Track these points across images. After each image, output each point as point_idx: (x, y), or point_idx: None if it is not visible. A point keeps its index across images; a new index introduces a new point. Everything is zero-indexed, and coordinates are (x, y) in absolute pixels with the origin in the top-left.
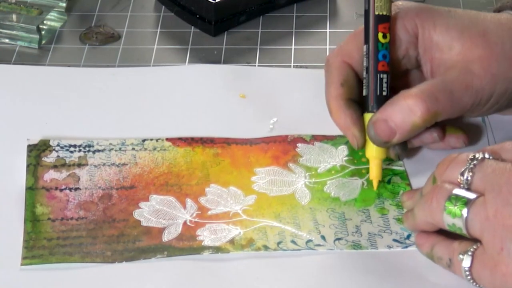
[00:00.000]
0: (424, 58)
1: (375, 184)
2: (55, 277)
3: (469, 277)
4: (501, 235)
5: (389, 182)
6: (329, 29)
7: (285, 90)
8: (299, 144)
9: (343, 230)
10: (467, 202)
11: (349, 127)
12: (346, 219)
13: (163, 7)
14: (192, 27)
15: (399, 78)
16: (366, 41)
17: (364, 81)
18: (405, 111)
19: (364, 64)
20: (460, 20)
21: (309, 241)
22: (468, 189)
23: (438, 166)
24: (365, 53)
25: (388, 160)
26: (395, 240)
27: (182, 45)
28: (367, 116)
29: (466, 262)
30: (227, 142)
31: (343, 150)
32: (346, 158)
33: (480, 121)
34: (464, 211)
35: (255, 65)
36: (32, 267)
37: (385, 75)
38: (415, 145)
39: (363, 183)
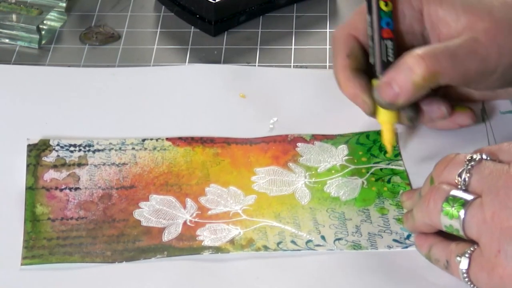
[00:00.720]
0: (432, 33)
1: (388, 148)
2: (55, 277)
3: (466, 279)
4: (498, 237)
5: (389, 181)
6: (329, 29)
7: (285, 90)
8: (299, 144)
9: (343, 230)
10: (464, 204)
11: (359, 94)
12: (346, 219)
13: (163, 7)
14: (192, 27)
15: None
16: (369, 11)
17: (370, 49)
18: (405, 70)
19: (369, 32)
20: None
21: (309, 241)
22: (466, 190)
23: (435, 167)
24: (368, 22)
25: (388, 160)
26: (395, 240)
27: (182, 45)
28: (375, 82)
29: (464, 264)
30: (227, 142)
31: (343, 150)
32: (346, 157)
33: (480, 120)
34: (461, 213)
35: (255, 65)
36: (32, 267)
37: (389, 42)
38: (425, 122)
39: (363, 183)
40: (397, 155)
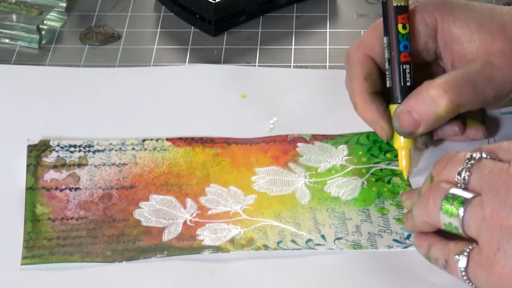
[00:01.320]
0: (445, 51)
1: (405, 174)
2: (55, 277)
3: (465, 277)
4: (498, 235)
5: (389, 182)
6: (329, 29)
7: (285, 90)
8: (299, 144)
9: (343, 230)
10: (464, 202)
11: (377, 120)
12: (346, 219)
13: (163, 7)
14: (192, 27)
15: (418, 70)
16: (386, 33)
17: (387, 73)
18: (428, 102)
19: (386, 55)
20: (479, 13)
21: (309, 240)
22: (465, 188)
23: (435, 165)
24: (386, 44)
25: (388, 160)
26: (395, 240)
27: (182, 45)
28: (393, 108)
29: (462, 262)
30: (227, 142)
31: (343, 150)
32: (346, 157)
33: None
34: (461, 211)
35: (255, 65)
36: (32, 267)
37: (407, 66)
38: (437, 138)
39: (363, 183)
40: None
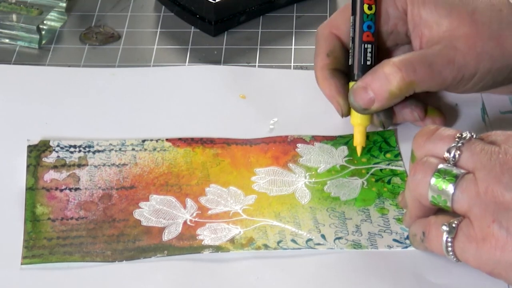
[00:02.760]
0: (414, 34)
1: (358, 150)
2: (55, 277)
3: (449, 250)
4: (492, 209)
5: (389, 182)
6: None
7: (285, 90)
8: (299, 145)
9: (343, 230)
10: (456, 176)
11: (334, 95)
12: (346, 219)
13: (163, 7)
14: (192, 27)
15: (389, 53)
16: (353, 13)
17: (350, 51)
18: (382, 79)
19: (351, 34)
20: None
21: (309, 240)
22: (454, 166)
23: (414, 139)
24: (351, 23)
25: (388, 160)
26: (395, 240)
27: (182, 45)
28: (351, 85)
29: (450, 233)
30: (227, 142)
31: (343, 151)
32: (346, 158)
33: (480, 119)
34: (452, 185)
35: (255, 65)
36: (32, 267)
37: (369, 45)
38: (398, 121)
39: (363, 183)
40: (397, 155)
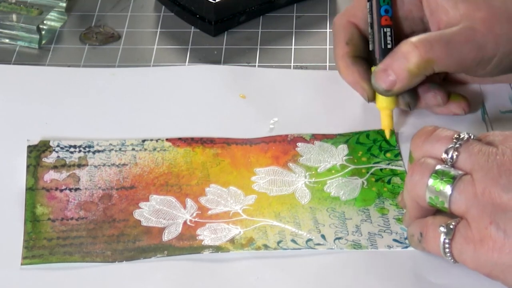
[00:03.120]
0: (431, 20)
1: (387, 133)
2: (55, 277)
3: (447, 251)
4: (490, 210)
5: (389, 182)
6: (329, 29)
7: (285, 90)
8: (299, 144)
9: (343, 230)
10: (454, 177)
11: (358, 81)
12: (346, 219)
13: (163, 7)
14: (192, 27)
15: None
16: None
17: (370, 37)
18: (401, 58)
19: (368, 20)
20: None
21: (309, 240)
22: (452, 167)
23: (412, 140)
24: (368, 9)
25: (388, 160)
26: (395, 240)
27: (182, 45)
28: (374, 69)
29: (448, 234)
30: (227, 142)
31: (343, 149)
32: (346, 157)
33: (480, 119)
34: (450, 186)
35: (255, 65)
36: (32, 267)
37: (388, 29)
38: (422, 107)
39: (363, 183)
40: (397, 155)
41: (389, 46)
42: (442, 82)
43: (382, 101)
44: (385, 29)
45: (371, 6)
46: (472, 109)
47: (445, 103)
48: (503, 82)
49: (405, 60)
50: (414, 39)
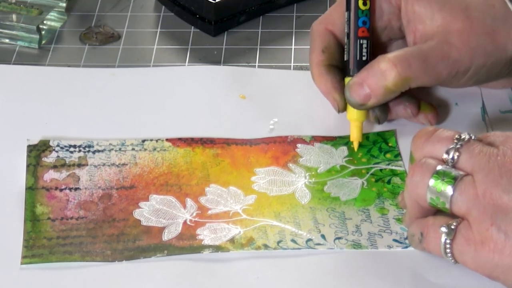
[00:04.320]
0: (408, 29)
1: (355, 145)
2: (55, 276)
3: (448, 251)
4: (491, 212)
5: (389, 182)
6: None
7: (285, 91)
8: (299, 145)
9: (343, 230)
10: (455, 178)
11: (330, 91)
12: (346, 219)
13: (163, 7)
14: (192, 27)
15: (383, 48)
16: (348, 8)
17: (346, 47)
18: (378, 75)
19: (346, 30)
20: None
21: (309, 240)
22: (453, 167)
23: (413, 141)
24: (346, 19)
25: (388, 160)
26: (395, 240)
27: (182, 45)
28: (348, 80)
29: (450, 235)
30: (227, 142)
31: (343, 151)
32: (346, 158)
33: (480, 119)
34: (451, 186)
35: (255, 65)
36: (32, 266)
37: (365, 41)
38: (392, 118)
39: (363, 183)
40: (397, 156)
41: (364, 58)
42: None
43: (353, 113)
44: (361, 41)
45: (349, 16)
46: (472, 109)
47: (415, 115)
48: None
49: (383, 77)
50: (391, 55)
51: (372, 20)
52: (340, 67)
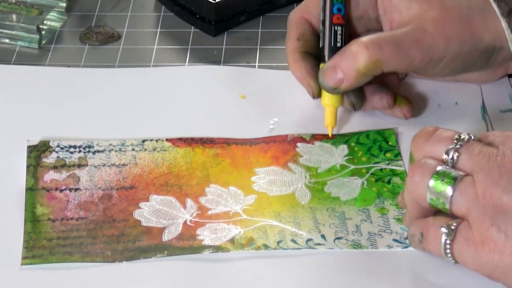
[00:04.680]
0: (384, 19)
1: (329, 130)
2: (55, 277)
3: (448, 251)
4: (491, 213)
5: (389, 182)
6: None
7: (285, 91)
8: (299, 144)
9: (343, 230)
10: (455, 178)
11: (305, 77)
12: (346, 219)
13: (163, 7)
14: (192, 27)
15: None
16: None
17: (321, 34)
18: (349, 57)
19: (321, 17)
20: None
21: (309, 240)
22: (453, 168)
23: (413, 141)
24: (321, 7)
25: (388, 160)
26: (395, 240)
27: (182, 45)
28: (322, 66)
29: (450, 235)
30: (227, 142)
31: (343, 150)
32: (346, 157)
33: (480, 118)
34: (451, 187)
35: (255, 66)
36: (32, 267)
37: (339, 28)
38: (367, 109)
39: (363, 183)
40: (397, 155)
41: (338, 45)
42: (400, 83)
43: (327, 99)
44: (336, 27)
45: (324, 3)
46: (472, 108)
47: (391, 107)
48: (466, 82)
49: (354, 60)
50: (364, 39)
51: (348, 9)
52: (316, 55)
